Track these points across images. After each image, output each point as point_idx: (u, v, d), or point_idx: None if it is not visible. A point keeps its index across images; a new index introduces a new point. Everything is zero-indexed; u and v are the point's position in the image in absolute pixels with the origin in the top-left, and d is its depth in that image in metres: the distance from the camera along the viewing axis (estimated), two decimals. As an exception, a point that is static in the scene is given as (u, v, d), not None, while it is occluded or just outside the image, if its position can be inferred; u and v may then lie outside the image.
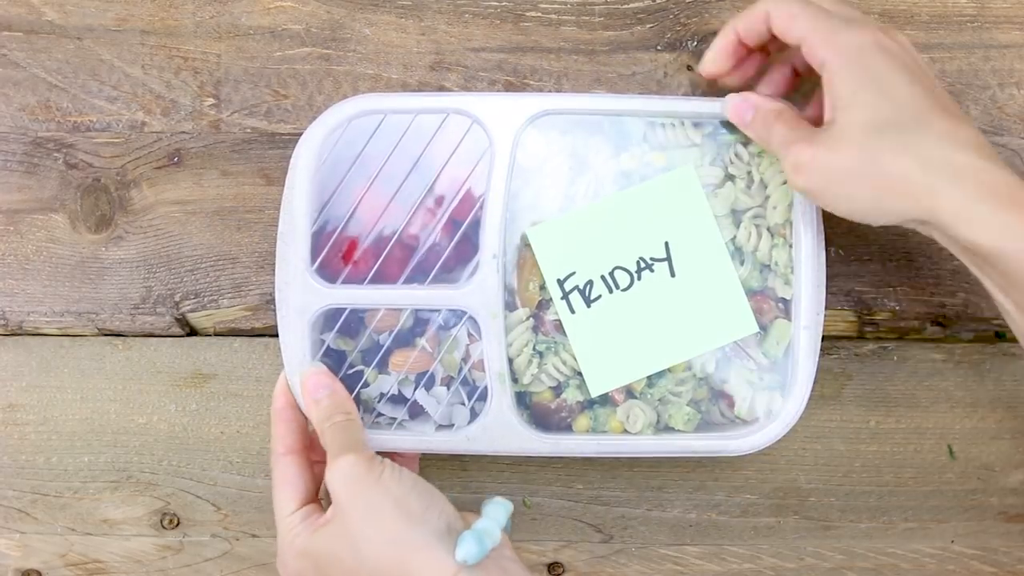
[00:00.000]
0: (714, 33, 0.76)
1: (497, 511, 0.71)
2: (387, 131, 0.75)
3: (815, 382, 0.75)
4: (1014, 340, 0.81)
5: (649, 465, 0.84)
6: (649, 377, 0.76)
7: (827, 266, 0.76)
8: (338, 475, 0.69)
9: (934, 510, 0.84)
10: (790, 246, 0.75)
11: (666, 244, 0.75)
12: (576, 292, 0.75)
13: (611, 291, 0.75)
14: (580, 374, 0.76)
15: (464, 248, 0.75)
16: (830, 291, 0.81)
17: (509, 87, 0.82)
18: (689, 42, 0.82)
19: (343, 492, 0.69)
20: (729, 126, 0.76)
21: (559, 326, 0.76)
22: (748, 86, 0.76)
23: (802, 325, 0.74)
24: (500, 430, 0.75)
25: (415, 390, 0.76)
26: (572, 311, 0.75)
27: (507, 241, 0.75)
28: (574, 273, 0.75)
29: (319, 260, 0.75)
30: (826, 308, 0.76)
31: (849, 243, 0.83)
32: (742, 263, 0.76)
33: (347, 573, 0.68)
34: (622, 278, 0.75)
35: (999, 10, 0.82)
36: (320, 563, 0.69)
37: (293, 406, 0.75)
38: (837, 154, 0.66)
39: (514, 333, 0.75)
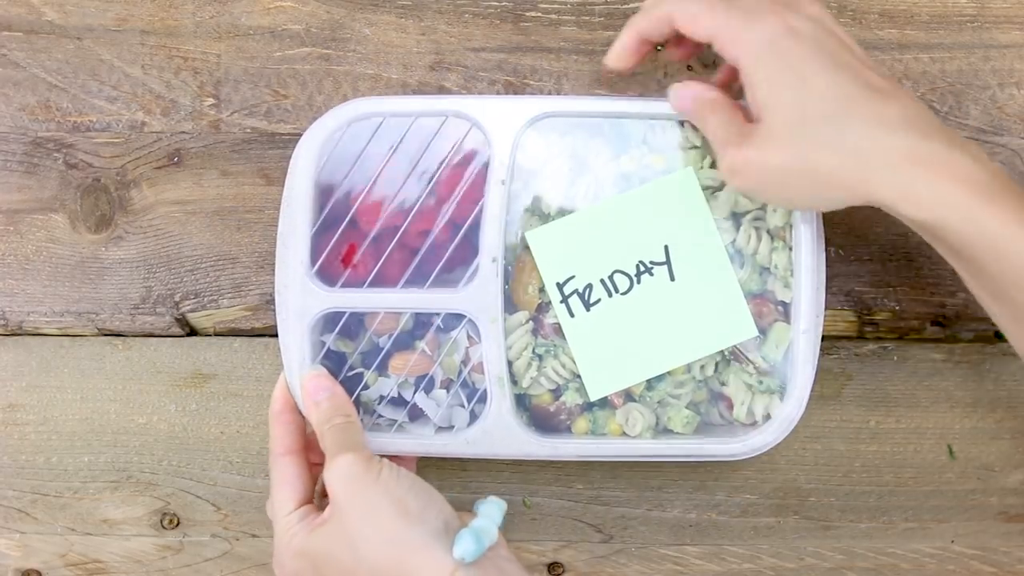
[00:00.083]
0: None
1: (492, 510, 0.71)
2: (386, 133, 0.75)
3: (815, 382, 0.75)
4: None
5: (649, 465, 0.84)
6: (648, 380, 0.76)
7: (827, 266, 0.75)
8: (336, 474, 0.69)
9: (934, 510, 0.84)
10: (790, 249, 0.75)
11: (666, 248, 0.75)
12: (575, 296, 0.75)
13: (610, 295, 0.75)
14: (579, 377, 0.76)
15: (464, 251, 0.75)
16: (830, 291, 0.81)
17: (509, 87, 0.82)
18: (689, 42, 0.82)
19: (341, 491, 0.69)
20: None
21: (558, 329, 0.76)
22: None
23: (801, 329, 0.74)
24: (499, 434, 0.75)
25: (415, 393, 0.76)
26: (571, 315, 0.75)
27: (506, 244, 0.75)
28: (573, 277, 0.75)
29: (318, 263, 0.75)
30: (826, 308, 0.75)
31: (849, 243, 0.82)
32: (742, 266, 0.75)
33: (345, 572, 0.68)
34: (621, 282, 0.75)
35: (999, 10, 0.82)
36: (318, 562, 0.69)
37: (292, 408, 0.75)
38: (769, 154, 0.66)
39: (513, 336, 0.75)
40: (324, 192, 0.75)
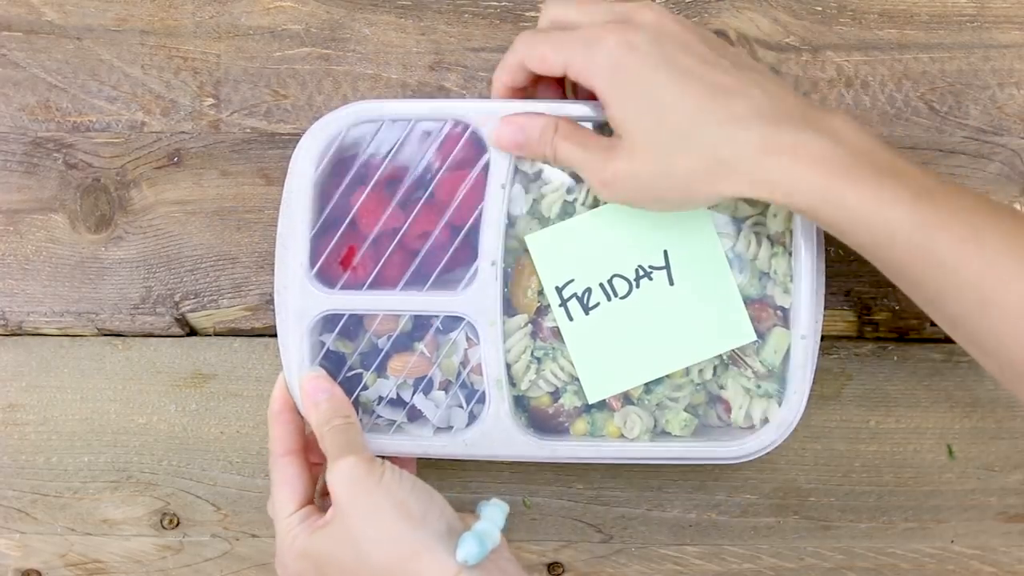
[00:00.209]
0: (715, 32, 0.76)
1: (494, 513, 0.71)
2: (386, 136, 0.75)
3: (814, 382, 0.75)
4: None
5: (649, 465, 0.83)
6: (646, 383, 0.76)
7: (827, 266, 0.75)
8: (339, 477, 0.69)
9: (934, 510, 0.84)
10: (789, 254, 0.75)
11: (665, 252, 0.75)
12: (574, 300, 0.75)
13: (609, 299, 0.75)
14: (578, 380, 0.76)
15: (463, 253, 0.75)
16: (830, 291, 0.81)
17: (509, 87, 0.82)
18: (689, 43, 0.82)
19: (344, 494, 0.69)
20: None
21: (557, 332, 0.75)
22: None
23: (800, 334, 0.74)
24: (498, 435, 0.75)
25: (413, 394, 0.76)
26: (570, 319, 0.75)
27: (506, 247, 0.75)
28: (572, 280, 0.75)
29: (318, 265, 0.75)
30: (826, 308, 0.75)
31: (849, 243, 0.82)
32: (741, 271, 0.75)
33: (347, 574, 0.68)
34: (620, 286, 0.75)
35: (999, 10, 0.82)
36: (320, 564, 0.69)
37: (291, 408, 0.75)
38: (636, 165, 0.67)
39: (512, 339, 0.75)
40: (324, 194, 0.75)
